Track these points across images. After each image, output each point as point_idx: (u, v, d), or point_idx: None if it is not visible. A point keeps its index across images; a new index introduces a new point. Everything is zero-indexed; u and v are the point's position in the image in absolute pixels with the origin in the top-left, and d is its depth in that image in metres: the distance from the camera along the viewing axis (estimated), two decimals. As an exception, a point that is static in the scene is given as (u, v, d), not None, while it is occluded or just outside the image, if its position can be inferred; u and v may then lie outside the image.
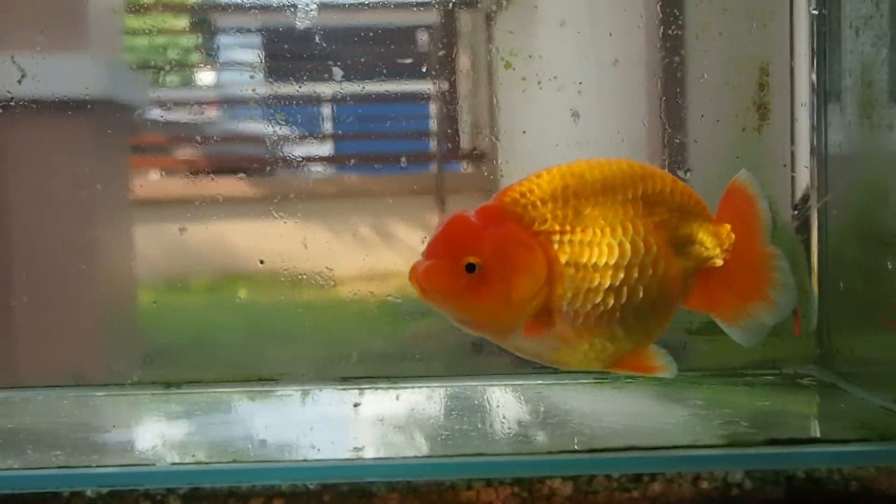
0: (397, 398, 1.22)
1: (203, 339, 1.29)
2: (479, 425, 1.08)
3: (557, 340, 0.86)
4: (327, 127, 1.29)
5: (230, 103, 1.29)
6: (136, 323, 1.32)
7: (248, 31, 1.28)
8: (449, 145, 1.31)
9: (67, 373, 1.28)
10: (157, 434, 1.11)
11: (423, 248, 0.86)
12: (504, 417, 1.13)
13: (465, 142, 1.31)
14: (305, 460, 0.98)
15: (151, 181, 1.29)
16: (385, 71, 1.28)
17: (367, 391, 1.25)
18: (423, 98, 1.30)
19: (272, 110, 1.28)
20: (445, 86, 1.30)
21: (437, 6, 1.29)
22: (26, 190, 1.27)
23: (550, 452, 0.98)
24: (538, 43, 1.27)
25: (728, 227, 0.95)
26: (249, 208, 1.28)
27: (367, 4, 1.27)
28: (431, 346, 1.30)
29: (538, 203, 0.86)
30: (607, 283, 0.86)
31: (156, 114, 1.28)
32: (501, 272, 0.83)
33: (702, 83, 1.27)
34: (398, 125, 1.31)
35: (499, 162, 1.30)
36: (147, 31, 1.28)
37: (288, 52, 1.27)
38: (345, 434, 1.09)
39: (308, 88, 1.27)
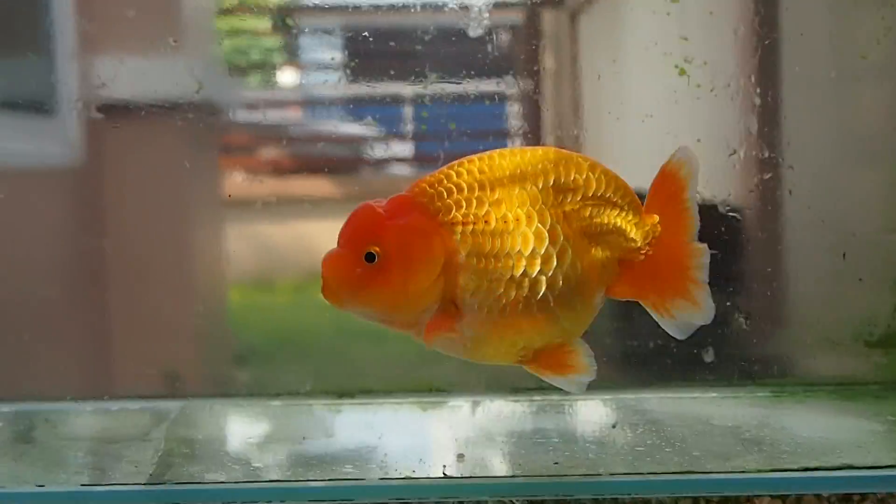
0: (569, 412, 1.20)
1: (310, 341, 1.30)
2: (674, 441, 1.06)
3: (467, 333, 0.85)
4: (412, 127, 1.29)
5: (317, 104, 1.30)
6: (226, 324, 1.32)
7: (333, 31, 1.28)
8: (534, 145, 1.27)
9: (161, 374, 1.29)
10: (365, 444, 1.09)
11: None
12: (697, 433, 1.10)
13: (549, 142, 1.30)
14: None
15: (240, 181, 1.29)
16: (469, 70, 1.27)
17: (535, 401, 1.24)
18: (506, 98, 1.29)
19: (358, 111, 1.28)
20: (530, 85, 1.29)
21: (520, 6, 1.29)
22: (122, 191, 1.28)
23: (760, 471, 0.95)
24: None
25: (655, 218, 0.91)
26: (335, 208, 1.27)
27: (453, 5, 1.26)
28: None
29: (444, 193, 0.85)
30: (508, 274, 0.84)
31: (245, 115, 1.30)
32: (400, 262, 0.83)
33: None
34: (482, 124, 1.30)
35: None
36: (237, 33, 1.29)
37: (373, 52, 1.26)
38: (579, 450, 1.06)
39: (395, 88, 1.27)
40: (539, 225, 0.85)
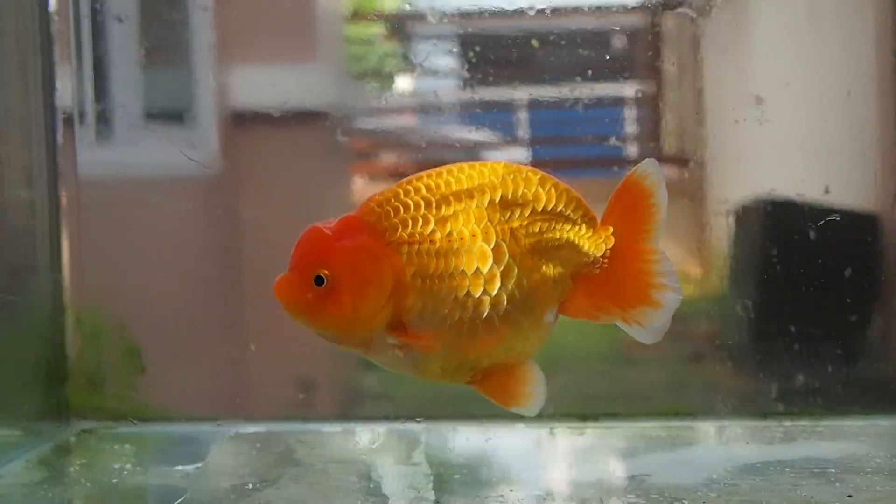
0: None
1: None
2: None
3: (414, 353, 0.83)
4: (528, 132, 1.30)
5: (437, 110, 1.30)
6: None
7: (455, 37, 1.29)
8: (652, 149, 1.31)
9: (296, 381, 1.30)
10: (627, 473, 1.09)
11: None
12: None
13: (668, 146, 1.30)
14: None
15: (367, 187, 1.31)
16: (584, 74, 1.27)
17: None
18: (624, 102, 1.29)
19: (478, 116, 1.29)
20: (648, 89, 1.28)
21: (639, 9, 1.28)
22: (257, 198, 1.30)
23: None
24: None
25: (609, 229, 0.88)
26: None
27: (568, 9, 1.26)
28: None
29: (391, 212, 0.84)
30: (452, 295, 0.83)
31: (373, 121, 1.31)
32: (349, 285, 0.82)
33: None
34: (598, 129, 1.30)
35: (705, 167, 1.26)
36: (367, 41, 1.31)
37: (495, 58, 1.28)
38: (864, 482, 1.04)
39: (512, 94, 1.28)
40: (483, 243, 0.84)
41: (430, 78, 1.30)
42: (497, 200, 0.85)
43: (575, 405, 1.26)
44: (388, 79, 1.32)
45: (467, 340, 0.84)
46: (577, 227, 0.88)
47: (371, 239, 0.83)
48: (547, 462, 1.13)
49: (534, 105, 1.28)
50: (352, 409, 1.29)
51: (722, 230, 1.23)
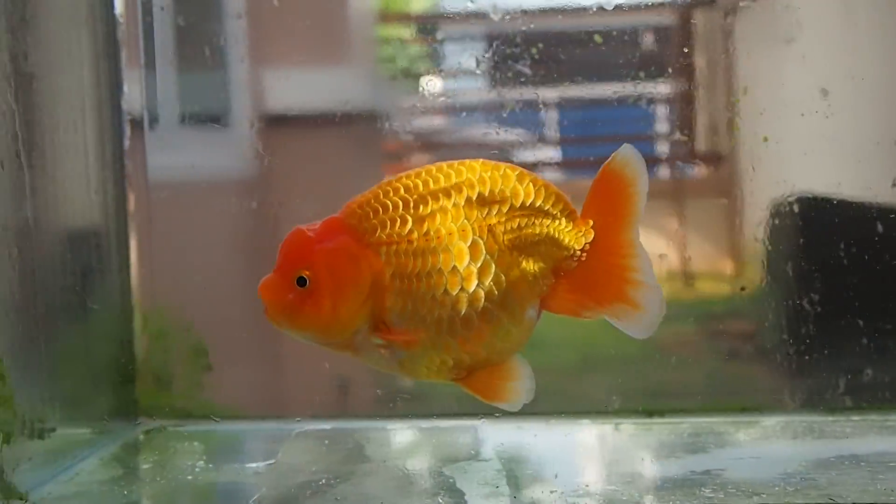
0: None
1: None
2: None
3: (398, 352, 0.85)
4: (556, 131, 1.30)
5: (473, 110, 1.31)
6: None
7: (483, 37, 1.30)
8: (685, 149, 1.30)
9: (333, 383, 1.30)
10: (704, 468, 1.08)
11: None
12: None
13: (701, 145, 1.29)
14: None
15: None
16: (615, 73, 1.27)
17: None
18: (656, 100, 1.29)
19: (509, 116, 1.29)
20: (680, 87, 1.28)
21: (670, 6, 1.28)
22: (292, 199, 1.30)
23: None
24: None
25: (589, 222, 0.88)
26: None
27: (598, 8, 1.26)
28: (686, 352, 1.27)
29: (371, 214, 0.85)
30: (430, 294, 0.83)
31: (404, 122, 1.32)
32: (329, 285, 0.83)
33: None
34: (631, 128, 1.30)
35: (739, 165, 1.27)
36: (396, 42, 1.33)
37: (524, 56, 1.27)
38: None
39: (544, 93, 1.28)
40: (460, 241, 0.84)
41: (459, 78, 1.31)
42: (474, 198, 0.86)
43: (640, 401, 1.25)
44: (418, 79, 1.33)
45: (448, 338, 0.84)
46: (556, 222, 0.88)
47: (351, 240, 0.85)
48: (618, 457, 1.14)
49: (564, 104, 1.28)
50: (416, 405, 1.28)
51: (788, 225, 1.22)
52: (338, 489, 1.00)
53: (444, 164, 0.87)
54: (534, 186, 0.87)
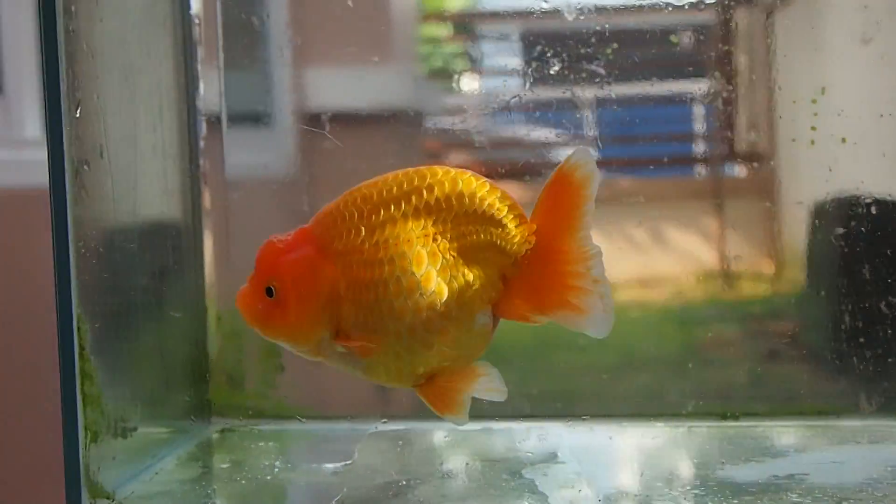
0: None
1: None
2: None
3: (359, 359, 0.88)
4: (596, 130, 1.29)
5: (513, 109, 1.30)
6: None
7: (517, 36, 1.29)
8: (726, 148, 1.29)
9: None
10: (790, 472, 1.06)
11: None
12: None
13: (741, 144, 1.28)
14: None
15: None
16: (653, 72, 1.26)
17: None
18: (694, 100, 1.28)
19: (546, 115, 1.29)
20: (719, 86, 1.27)
21: (708, 6, 1.27)
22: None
23: None
24: None
25: (532, 227, 0.88)
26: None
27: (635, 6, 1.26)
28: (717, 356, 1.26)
29: (332, 223, 0.88)
30: (379, 303, 0.86)
31: (443, 121, 1.32)
32: (292, 296, 0.87)
33: None
34: (669, 128, 1.29)
35: (780, 165, 1.26)
36: (439, 41, 1.33)
37: (561, 56, 1.27)
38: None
39: (581, 92, 1.28)
40: (407, 251, 0.86)
41: (498, 77, 1.32)
42: (422, 206, 0.87)
43: (715, 404, 1.24)
44: (459, 78, 1.33)
45: (399, 346, 0.87)
46: (501, 229, 0.88)
47: (313, 250, 0.88)
48: (697, 460, 1.14)
49: (602, 103, 1.27)
50: (490, 407, 1.28)
51: (865, 227, 1.21)
52: (418, 490, 0.99)
53: (400, 172, 0.88)
54: (484, 193, 0.88)
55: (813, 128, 1.23)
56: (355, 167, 1.30)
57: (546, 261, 0.88)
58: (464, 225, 0.88)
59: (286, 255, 0.88)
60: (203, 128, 1.27)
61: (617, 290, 1.27)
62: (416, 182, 0.88)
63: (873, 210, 1.21)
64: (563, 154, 1.25)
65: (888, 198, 1.22)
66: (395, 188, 0.88)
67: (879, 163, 1.22)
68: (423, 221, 0.87)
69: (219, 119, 1.29)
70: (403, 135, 1.31)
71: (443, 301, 0.87)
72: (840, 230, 1.22)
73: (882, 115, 1.22)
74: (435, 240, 0.87)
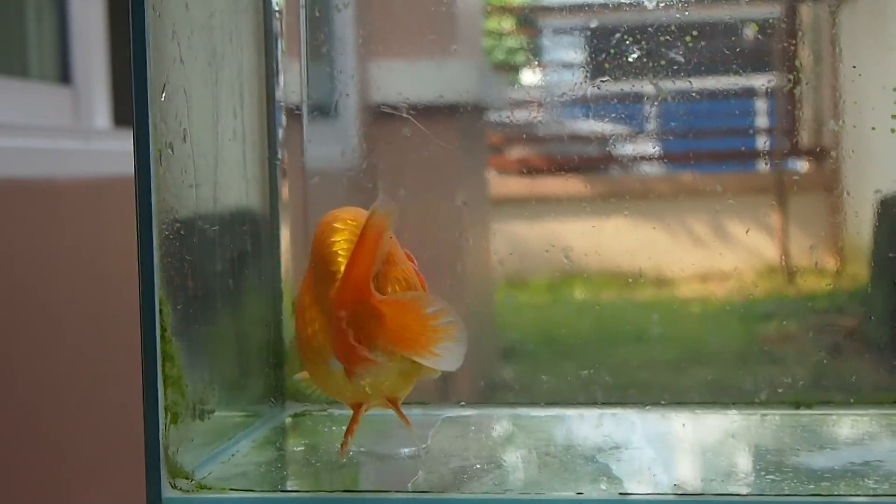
0: None
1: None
2: None
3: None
4: (659, 124, 1.30)
5: (574, 103, 1.32)
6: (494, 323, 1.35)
7: (585, 29, 1.30)
8: (788, 142, 1.30)
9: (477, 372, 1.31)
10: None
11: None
12: None
13: (805, 139, 1.28)
14: None
15: (501, 180, 1.35)
16: (716, 66, 1.26)
17: None
18: (757, 94, 1.28)
19: (608, 108, 1.30)
20: (782, 81, 1.27)
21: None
22: (398, 193, 1.32)
23: None
24: None
25: (349, 287, 0.91)
26: (584, 207, 1.30)
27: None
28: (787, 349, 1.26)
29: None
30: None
31: (506, 114, 1.34)
32: None
33: None
34: (732, 122, 1.30)
35: (844, 162, 1.25)
36: (501, 34, 1.34)
37: (624, 50, 1.27)
38: None
39: (643, 86, 1.28)
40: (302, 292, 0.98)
41: (562, 71, 1.33)
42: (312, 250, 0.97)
43: (788, 393, 1.24)
44: (522, 72, 1.34)
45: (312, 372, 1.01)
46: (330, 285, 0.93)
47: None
48: (771, 447, 1.13)
49: (665, 97, 1.26)
50: (560, 393, 1.29)
51: None
52: (493, 474, 1.00)
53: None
54: (333, 245, 0.95)
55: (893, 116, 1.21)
56: (423, 157, 1.30)
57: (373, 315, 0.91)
58: (318, 274, 0.95)
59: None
60: (283, 118, 1.28)
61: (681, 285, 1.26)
62: (317, 229, 0.97)
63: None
64: (625, 148, 1.25)
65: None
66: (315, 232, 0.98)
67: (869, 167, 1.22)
68: (308, 266, 0.99)
69: (298, 109, 1.29)
70: (468, 127, 1.30)
71: (303, 346, 0.98)
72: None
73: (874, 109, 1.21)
74: (308, 286, 0.97)
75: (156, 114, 0.95)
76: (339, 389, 0.97)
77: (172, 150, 0.99)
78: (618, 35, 1.27)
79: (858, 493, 0.94)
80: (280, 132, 1.28)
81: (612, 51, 1.26)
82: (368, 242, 0.88)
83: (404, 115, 1.27)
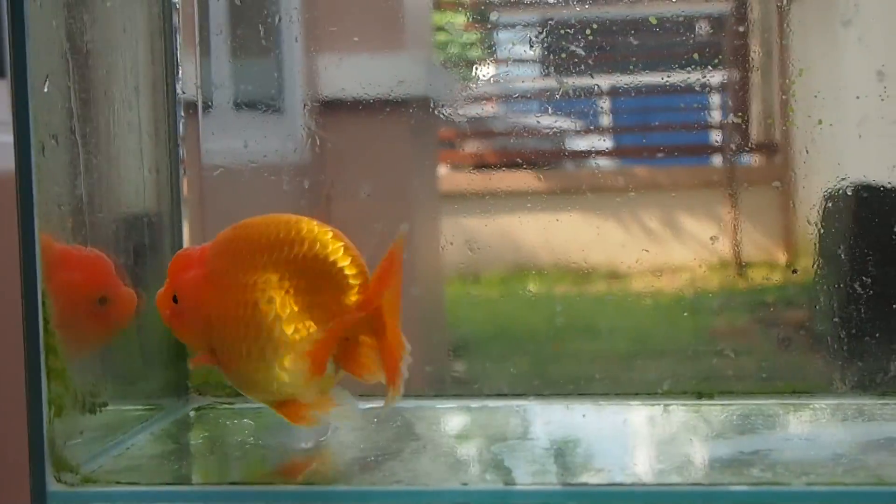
0: None
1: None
2: None
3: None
4: (610, 120, 1.32)
5: (520, 97, 1.33)
6: (445, 317, 1.36)
7: (532, 24, 1.30)
8: (738, 137, 1.30)
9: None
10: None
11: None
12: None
13: (755, 134, 1.29)
14: None
15: (451, 175, 1.35)
16: (666, 61, 1.26)
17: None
18: (707, 89, 1.28)
19: (559, 104, 1.29)
20: (732, 75, 1.28)
21: None
22: (345, 187, 1.31)
23: None
24: None
25: (370, 300, 0.96)
26: (538, 202, 1.29)
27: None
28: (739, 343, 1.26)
29: (219, 254, 0.99)
30: (235, 335, 0.98)
31: (454, 110, 1.32)
32: (185, 308, 1.00)
33: None
34: (682, 117, 1.31)
35: (793, 155, 1.26)
36: (449, 29, 1.33)
37: (574, 45, 1.27)
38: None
39: (593, 80, 1.28)
40: (271, 296, 0.97)
41: (513, 66, 1.32)
42: (282, 259, 0.98)
43: (691, 384, 1.24)
44: (472, 67, 1.33)
45: (253, 375, 1.00)
46: (344, 296, 0.99)
47: (203, 274, 1.00)
48: (669, 438, 1.12)
49: (617, 93, 1.26)
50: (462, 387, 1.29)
51: (841, 208, 1.21)
52: (386, 466, 1.00)
53: (279, 219, 0.99)
54: (336, 258, 0.98)
55: (791, 110, 1.22)
56: (366, 155, 1.32)
57: (378, 332, 0.96)
58: (314, 284, 0.97)
59: (186, 272, 1.00)
60: (181, 111, 1.27)
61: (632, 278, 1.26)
62: (282, 234, 0.97)
63: (849, 192, 1.21)
64: (577, 143, 1.25)
65: (864, 180, 1.22)
66: (267, 235, 0.98)
67: (856, 144, 1.22)
68: (282, 272, 0.97)
69: (207, 102, 1.28)
70: (417, 122, 1.30)
71: (286, 347, 0.96)
72: (816, 212, 1.22)
73: (858, 97, 1.21)
74: (288, 292, 0.96)
75: (37, 105, 0.93)
76: (286, 388, 0.99)
77: (57, 142, 0.98)
78: (567, 28, 1.25)
79: (742, 480, 0.95)
80: (181, 126, 1.26)
81: (562, 44, 1.25)
82: (397, 263, 0.95)
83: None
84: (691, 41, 1.26)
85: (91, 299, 1.06)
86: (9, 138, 1.90)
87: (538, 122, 1.29)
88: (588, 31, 1.26)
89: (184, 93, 1.28)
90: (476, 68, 1.33)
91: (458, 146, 1.33)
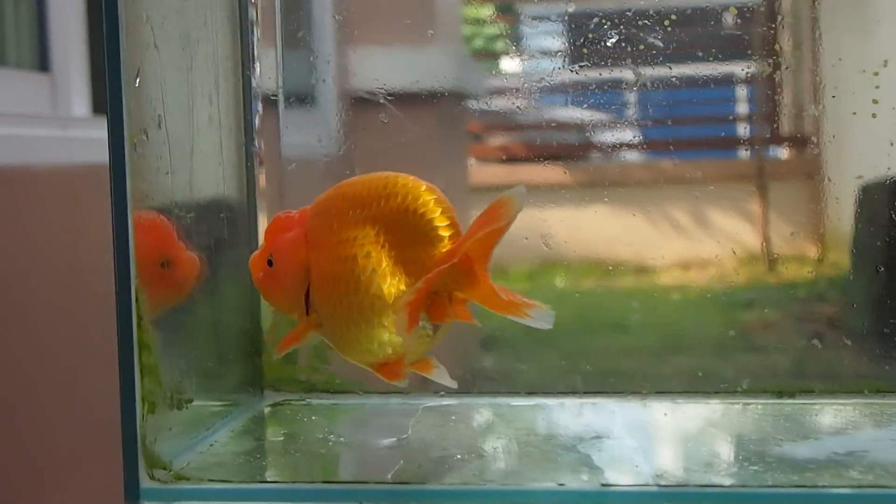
0: None
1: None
2: None
3: (325, 337, 1.00)
4: (639, 112, 1.29)
5: (552, 91, 1.30)
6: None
7: (564, 15, 1.29)
8: (769, 129, 1.29)
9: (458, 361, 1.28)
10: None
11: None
12: None
13: (785, 125, 1.27)
14: None
15: (482, 168, 1.35)
16: (695, 53, 1.25)
17: None
18: (738, 81, 1.27)
19: (588, 96, 1.28)
20: (763, 67, 1.26)
21: None
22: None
23: None
24: None
25: (462, 250, 0.90)
26: (566, 195, 1.28)
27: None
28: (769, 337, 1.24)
29: (316, 213, 0.98)
30: (336, 292, 0.96)
31: (485, 102, 1.33)
32: (282, 270, 0.99)
33: None
34: (712, 109, 1.29)
35: (825, 148, 1.24)
36: (481, 22, 1.33)
37: (606, 37, 1.26)
38: None
39: (622, 74, 1.26)
40: (357, 250, 0.94)
41: (541, 59, 1.31)
42: (378, 213, 0.95)
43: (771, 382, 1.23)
44: (501, 59, 1.33)
45: (353, 333, 0.96)
46: (437, 247, 0.94)
47: (302, 234, 0.98)
48: (753, 437, 1.10)
49: (645, 85, 1.25)
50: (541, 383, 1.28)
51: None
52: (473, 464, 0.99)
53: (373, 176, 0.97)
54: (427, 210, 0.94)
55: (875, 101, 1.20)
56: (397, 148, 1.30)
57: (475, 282, 0.93)
58: (406, 237, 0.94)
59: (284, 234, 0.99)
60: (259, 105, 1.26)
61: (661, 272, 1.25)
62: (378, 189, 0.94)
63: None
64: (605, 136, 1.24)
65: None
66: (364, 192, 0.95)
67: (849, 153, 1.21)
68: (378, 227, 0.94)
69: (275, 95, 1.28)
70: (447, 114, 1.28)
71: (382, 303, 0.93)
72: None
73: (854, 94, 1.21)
74: (383, 246, 0.94)
75: (130, 100, 0.93)
76: (419, 346, 0.95)
77: (147, 137, 0.97)
78: (596, 20, 1.23)
79: (842, 483, 0.91)
80: (257, 119, 1.25)
81: (590, 36, 1.23)
82: (491, 217, 0.89)
83: (381, 101, 1.26)
84: (720, 32, 1.27)
85: (153, 262, 1.03)
86: (63, 133, 1.91)
87: (564, 114, 1.29)
88: (614, 24, 1.23)
89: (260, 88, 1.26)
90: (503, 60, 1.32)
91: (486, 139, 1.31)
